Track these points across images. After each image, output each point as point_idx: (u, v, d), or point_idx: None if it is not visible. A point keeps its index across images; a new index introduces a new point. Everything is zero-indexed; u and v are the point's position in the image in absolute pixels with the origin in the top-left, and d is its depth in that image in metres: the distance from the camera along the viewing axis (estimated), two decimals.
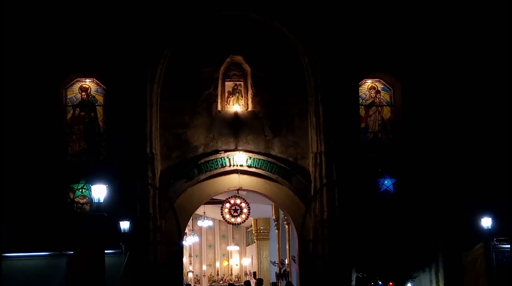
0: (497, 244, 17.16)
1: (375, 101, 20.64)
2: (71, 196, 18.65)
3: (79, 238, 12.06)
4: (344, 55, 19.61)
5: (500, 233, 17.51)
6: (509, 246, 16.86)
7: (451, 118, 19.67)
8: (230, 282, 27.67)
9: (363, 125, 20.45)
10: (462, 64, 19.80)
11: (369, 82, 20.63)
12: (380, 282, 18.39)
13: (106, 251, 12.67)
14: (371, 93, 20.62)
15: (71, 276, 11.48)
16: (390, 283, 18.34)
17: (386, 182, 19.74)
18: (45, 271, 12.67)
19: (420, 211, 19.21)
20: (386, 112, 20.63)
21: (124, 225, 17.70)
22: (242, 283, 25.04)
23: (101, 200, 14.44)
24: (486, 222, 17.64)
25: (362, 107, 20.50)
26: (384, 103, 20.66)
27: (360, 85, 20.50)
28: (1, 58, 18.57)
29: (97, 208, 14.54)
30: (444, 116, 19.67)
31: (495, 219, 17.57)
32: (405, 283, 18.67)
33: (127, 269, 14.30)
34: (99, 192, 14.47)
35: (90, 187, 15.36)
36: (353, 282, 18.73)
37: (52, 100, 19.21)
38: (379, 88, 20.68)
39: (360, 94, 20.47)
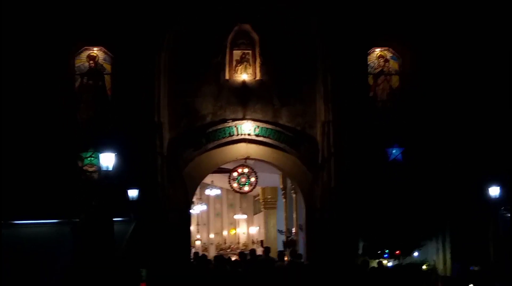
0: (505, 213, 17.14)
1: (384, 69, 20.51)
2: (80, 164, 18.71)
3: (87, 206, 12.12)
4: (353, 24, 19.45)
5: (508, 202, 17.48)
6: None
7: (460, 86, 19.55)
8: (240, 250, 27.71)
9: (371, 94, 20.35)
10: (472, 31, 19.62)
11: (377, 51, 20.46)
12: (387, 251, 18.47)
13: (114, 219, 12.76)
14: (379, 61, 20.48)
15: (79, 243, 11.58)
16: (397, 252, 18.43)
17: (394, 151, 19.72)
18: (54, 238, 12.79)
19: (428, 180, 19.20)
20: (395, 81, 20.50)
21: (133, 193, 17.79)
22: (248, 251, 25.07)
23: (110, 168, 14.46)
24: (494, 191, 17.62)
25: (371, 75, 20.38)
26: (392, 71, 20.52)
27: (369, 54, 20.34)
28: (9, 26, 18.52)
29: (105, 176, 14.59)
30: (453, 84, 19.56)
31: (503, 188, 17.51)
32: (412, 251, 18.75)
33: (133, 236, 14.39)
34: (108, 160, 14.48)
35: (99, 155, 15.38)
36: (360, 251, 18.82)
37: (60, 68, 19.15)
38: (388, 57, 20.53)
39: (368, 62, 20.32)
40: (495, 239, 15.97)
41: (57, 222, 13.36)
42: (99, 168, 16.89)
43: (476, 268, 16.28)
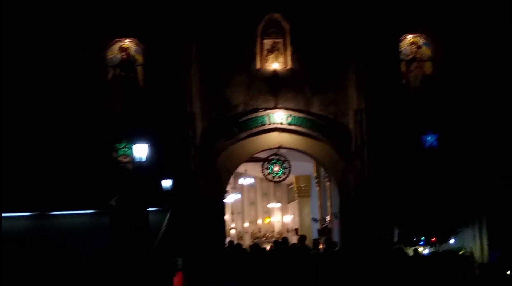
0: None
1: (416, 56, 20.28)
2: (114, 155, 18.90)
3: (121, 196, 12.26)
4: (384, 10, 19.29)
5: None
6: None
7: (494, 71, 19.26)
8: (275, 239, 27.71)
9: (404, 81, 20.15)
10: (505, 16, 19.29)
11: (410, 37, 20.23)
12: (422, 238, 18.34)
13: (149, 209, 12.88)
14: (412, 48, 20.25)
15: (114, 234, 11.74)
16: (433, 239, 18.28)
17: (429, 137, 19.51)
18: (90, 229, 12.94)
19: (464, 166, 18.96)
20: (428, 67, 20.27)
21: (166, 183, 17.90)
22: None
23: (143, 159, 14.58)
24: None
25: (403, 62, 20.17)
26: (425, 58, 20.27)
27: (401, 41, 20.14)
28: (42, 19, 18.73)
29: (139, 167, 14.71)
30: (486, 70, 19.27)
31: None
32: (448, 238, 18.58)
33: (169, 226, 14.49)
34: (141, 151, 14.60)
35: (132, 147, 15.51)
36: (396, 238, 18.72)
37: (93, 61, 19.30)
38: (420, 43, 20.28)
39: (401, 49, 20.12)
40: None
41: (93, 213, 13.49)
42: (133, 159, 17.06)
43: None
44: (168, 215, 14.77)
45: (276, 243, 18.94)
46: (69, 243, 12.53)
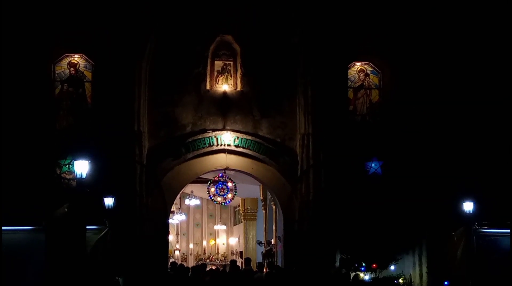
0: (478, 228, 17.21)
1: (364, 84, 20.64)
2: (58, 171, 18.64)
3: (60, 213, 12.10)
4: (334, 37, 19.63)
5: (482, 217, 17.57)
6: (490, 230, 16.97)
7: (438, 100, 19.73)
8: (232, 259, 27.35)
9: (351, 107, 20.47)
10: (450, 46, 19.86)
11: (358, 65, 20.61)
12: (363, 264, 18.52)
13: (89, 227, 12.73)
14: (360, 75, 20.63)
15: (52, 251, 11.55)
16: (374, 265, 18.48)
17: (373, 164, 19.84)
18: (28, 245, 12.73)
19: (406, 193, 19.28)
20: (375, 95, 20.64)
21: (108, 201, 17.69)
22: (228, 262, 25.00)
23: (84, 176, 14.43)
24: (468, 206, 17.70)
25: (351, 89, 20.52)
26: (372, 86, 20.65)
27: (350, 68, 20.51)
28: None
29: (79, 183, 14.56)
30: (432, 99, 19.73)
31: (477, 203, 17.63)
32: (389, 265, 18.81)
33: (101, 243, 14.33)
34: (82, 167, 14.46)
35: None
36: (337, 263, 18.86)
37: (41, 75, 19.11)
38: (368, 71, 20.67)
39: (349, 76, 20.48)
40: (468, 254, 16.12)
41: (32, 229, 13.26)
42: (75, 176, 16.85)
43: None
44: (104, 233, 14.60)
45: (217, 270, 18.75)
46: (6, 259, 12.31)
